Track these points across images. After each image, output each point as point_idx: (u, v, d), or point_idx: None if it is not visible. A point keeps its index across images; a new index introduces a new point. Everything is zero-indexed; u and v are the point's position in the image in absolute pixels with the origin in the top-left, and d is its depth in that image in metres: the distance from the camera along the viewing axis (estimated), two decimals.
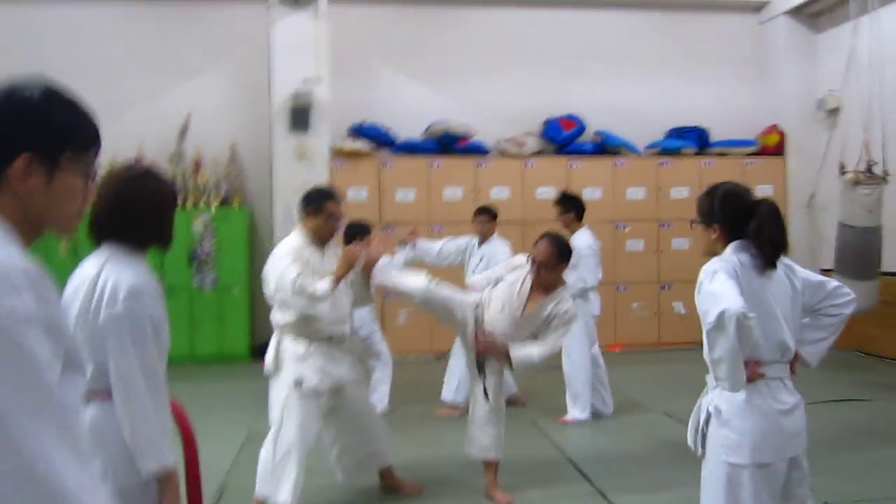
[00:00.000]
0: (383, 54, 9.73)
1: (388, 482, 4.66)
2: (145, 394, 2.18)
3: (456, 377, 6.46)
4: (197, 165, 9.24)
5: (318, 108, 8.69)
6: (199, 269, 8.88)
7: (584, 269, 6.08)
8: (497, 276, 4.62)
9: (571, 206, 6.31)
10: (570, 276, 6.10)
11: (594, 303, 6.35)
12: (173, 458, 2.23)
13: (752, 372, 2.64)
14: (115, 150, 8.95)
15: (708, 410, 2.76)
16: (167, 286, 8.72)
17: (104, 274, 2.23)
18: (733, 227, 2.78)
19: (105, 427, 2.17)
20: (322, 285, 4.09)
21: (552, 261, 4.34)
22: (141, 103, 9.33)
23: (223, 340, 8.89)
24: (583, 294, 6.13)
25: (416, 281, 4.58)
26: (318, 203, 4.33)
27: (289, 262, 4.11)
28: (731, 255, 2.75)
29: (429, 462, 5.24)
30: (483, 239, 6.54)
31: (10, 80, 1.39)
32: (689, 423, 2.88)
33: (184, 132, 9.24)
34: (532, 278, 4.38)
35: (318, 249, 4.33)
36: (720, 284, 2.61)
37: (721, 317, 2.51)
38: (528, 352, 4.30)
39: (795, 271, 2.83)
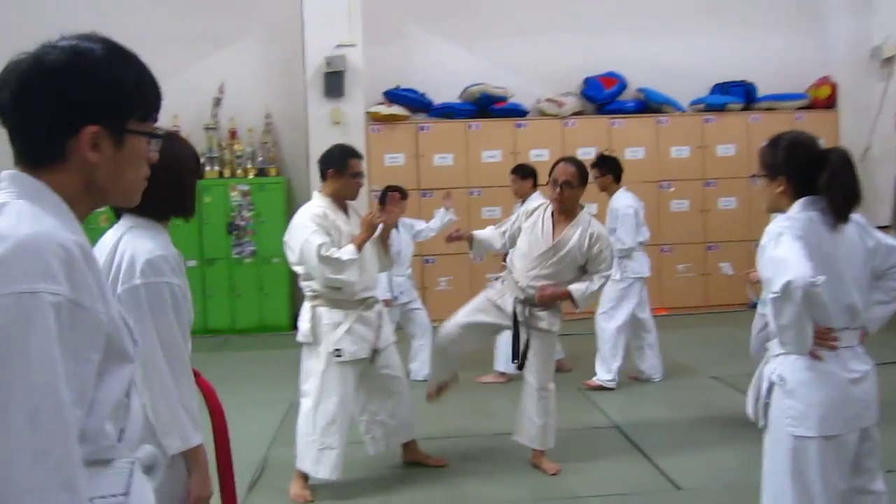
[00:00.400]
0: (417, 16, 9.50)
1: (412, 456, 4.57)
2: (165, 369, 2.08)
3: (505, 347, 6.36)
4: (232, 135, 9.18)
5: (353, 73, 8.54)
6: (237, 240, 8.85)
7: (622, 230, 5.97)
8: (511, 225, 4.55)
9: (608, 168, 6.15)
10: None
11: (641, 264, 6.17)
12: (199, 434, 2.14)
13: (824, 342, 2.46)
14: None
15: (770, 379, 2.58)
16: (207, 258, 8.74)
17: (122, 246, 2.13)
18: (801, 180, 2.57)
19: None
20: (347, 251, 3.99)
21: (574, 180, 4.31)
22: (175, 74, 9.22)
23: (264, 311, 8.87)
24: (626, 255, 5.98)
25: (446, 330, 4.56)
26: (342, 161, 4.19)
27: (313, 229, 4.00)
28: (800, 212, 2.54)
29: (473, 430, 5.16)
30: (522, 200, 6.36)
31: (70, 40, 1.29)
32: (749, 392, 2.71)
33: (218, 102, 9.16)
34: (554, 204, 4.36)
35: (342, 212, 4.21)
36: (786, 249, 2.42)
37: (787, 287, 2.34)
38: (586, 286, 4.26)
39: (869, 232, 2.63)
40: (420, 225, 6.62)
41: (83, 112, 1.25)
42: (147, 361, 2.05)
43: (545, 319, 4.34)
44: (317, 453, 4.09)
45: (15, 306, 1.09)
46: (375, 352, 4.23)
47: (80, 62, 1.26)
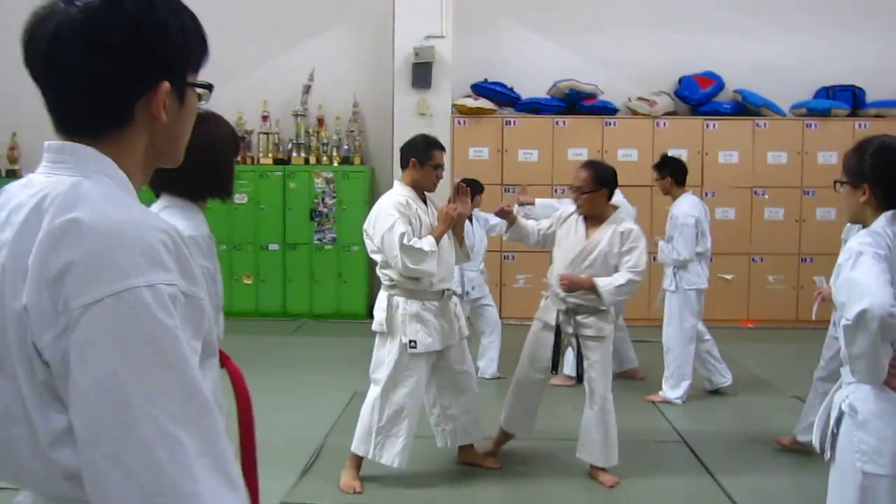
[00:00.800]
0: (508, 8, 9.39)
1: (468, 457, 4.50)
2: None
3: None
4: (320, 122, 9.28)
5: (441, 64, 8.49)
6: (319, 227, 8.94)
7: (679, 240, 5.67)
8: (548, 228, 4.48)
9: (669, 171, 5.83)
10: (666, 246, 5.76)
11: (698, 275, 5.84)
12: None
13: None
14: (240, 107, 9.17)
15: (840, 408, 2.38)
16: (289, 243, 8.87)
17: None
18: (888, 190, 2.36)
19: None
20: (428, 242, 3.99)
21: (587, 185, 4.22)
22: (266, 60, 9.43)
23: (341, 298, 8.94)
24: (683, 265, 5.72)
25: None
26: (426, 152, 4.18)
27: (396, 218, 3.98)
28: (884, 227, 2.33)
29: (537, 433, 5.03)
30: None
31: None
32: (817, 420, 2.51)
33: (307, 89, 9.27)
34: (578, 210, 4.32)
35: (422, 202, 4.21)
36: (864, 271, 2.22)
37: (862, 316, 2.16)
38: (611, 279, 4.15)
39: None
40: (494, 219, 6.51)
41: (160, 66, 1.13)
42: None
43: (592, 326, 4.24)
44: (382, 440, 4.07)
45: (137, 303, 0.98)
46: (449, 346, 4.20)
47: (148, 12, 1.12)
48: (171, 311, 1.00)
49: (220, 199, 2.22)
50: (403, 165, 4.23)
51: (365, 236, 4.17)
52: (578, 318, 4.25)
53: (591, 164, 4.36)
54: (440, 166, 4.21)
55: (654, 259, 5.74)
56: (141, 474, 0.96)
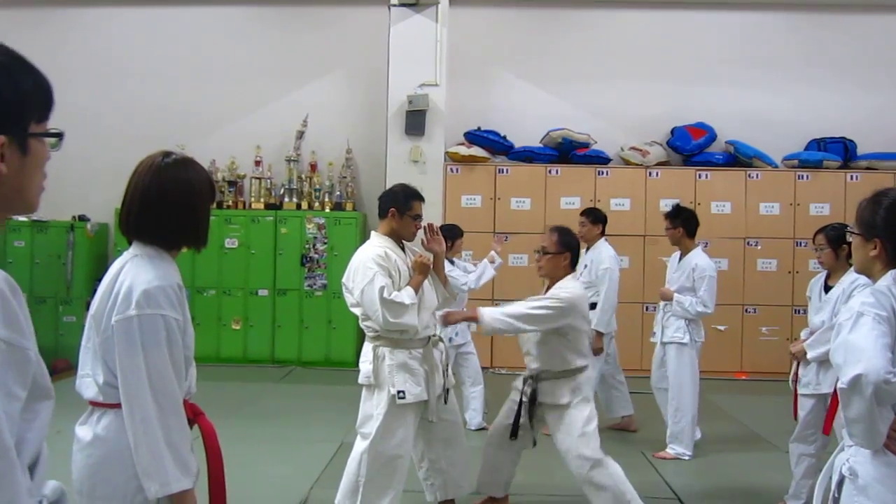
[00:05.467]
0: (502, 58, 9.47)
1: None
2: (151, 406, 1.95)
3: None
4: (313, 168, 9.27)
5: (434, 112, 8.52)
6: (310, 273, 8.87)
7: (706, 293, 5.58)
8: None
9: (682, 221, 5.77)
10: (685, 300, 5.65)
11: (702, 328, 5.80)
12: (187, 479, 1.99)
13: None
14: (233, 151, 9.17)
15: (841, 472, 2.30)
16: (279, 288, 8.77)
17: (122, 275, 2.04)
18: None
19: (118, 438, 1.98)
20: (407, 294, 3.93)
21: (553, 247, 4.20)
22: (260, 105, 9.46)
23: (331, 345, 8.83)
24: (696, 318, 5.65)
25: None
26: (405, 202, 4.13)
27: (375, 272, 3.91)
28: (890, 287, 2.27)
29: (527, 488, 4.90)
30: (587, 244, 6.12)
31: None
32: (818, 483, 2.42)
33: (301, 135, 9.29)
34: (539, 271, 4.29)
35: (400, 251, 4.14)
36: (863, 334, 2.16)
37: (856, 381, 2.10)
38: (500, 309, 4.11)
39: None
40: (471, 268, 6.37)
41: None
42: (133, 397, 1.95)
43: (549, 393, 4.18)
44: (371, 495, 3.95)
45: None
46: (439, 395, 4.11)
47: None
48: None
49: (195, 248, 2.14)
50: (382, 215, 4.17)
51: (344, 290, 4.10)
52: (539, 384, 4.21)
53: (558, 228, 4.35)
54: (419, 217, 4.16)
55: (649, 308, 5.68)
56: None
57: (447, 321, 4.18)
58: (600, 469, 4.06)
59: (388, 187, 8.39)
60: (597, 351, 5.61)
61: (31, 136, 1.24)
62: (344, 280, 4.09)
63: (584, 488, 4.10)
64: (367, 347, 4.09)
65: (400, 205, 4.11)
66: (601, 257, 6.07)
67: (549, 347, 4.16)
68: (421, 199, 4.21)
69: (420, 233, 4.25)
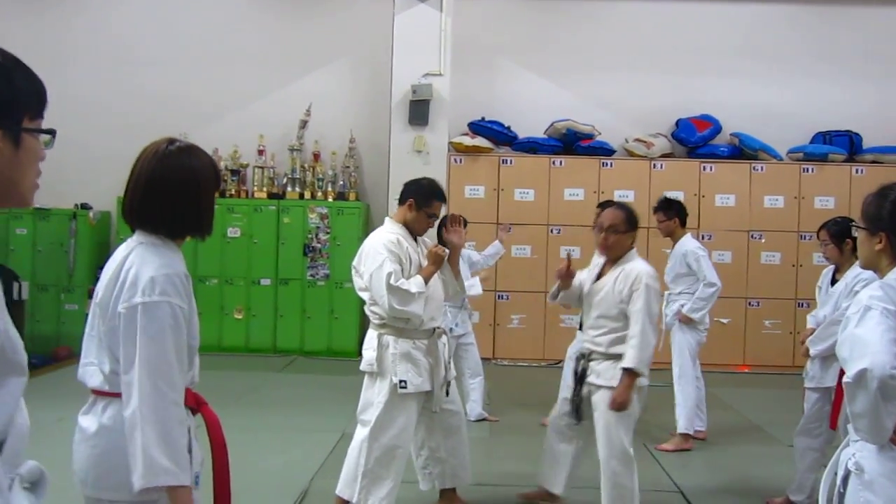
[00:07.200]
0: (506, 48, 9.42)
1: (450, 502, 4.36)
2: (149, 395, 1.91)
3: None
4: (316, 158, 9.24)
5: (438, 102, 8.49)
6: (312, 262, 8.86)
7: (709, 270, 5.70)
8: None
9: (675, 212, 5.85)
10: (685, 280, 5.73)
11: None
12: (181, 474, 1.93)
13: None
14: (236, 140, 9.14)
15: (847, 467, 2.28)
16: (281, 278, 8.76)
17: (128, 263, 2.01)
18: None
19: (121, 428, 1.95)
20: (416, 283, 3.91)
21: (621, 225, 4.02)
22: (264, 94, 9.42)
23: (332, 335, 8.82)
24: (712, 298, 5.72)
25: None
26: (427, 198, 4.12)
27: (385, 257, 3.90)
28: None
29: (525, 478, 4.90)
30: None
31: None
32: (823, 478, 2.41)
33: (304, 124, 9.25)
34: (601, 251, 4.12)
35: (412, 241, 4.13)
36: (870, 328, 2.13)
37: (861, 375, 2.07)
38: (630, 354, 3.85)
39: None
40: (476, 256, 6.46)
41: None
42: (132, 385, 1.91)
43: (601, 374, 3.99)
44: (368, 483, 3.94)
45: None
46: (441, 386, 4.10)
47: None
48: None
49: (199, 237, 2.11)
50: (401, 202, 4.16)
51: (354, 273, 4.10)
52: (591, 363, 4.05)
53: (621, 205, 4.22)
54: (434, 216, 4.17)
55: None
56: None
57: (615, 406, 3.89)
58: (627, 465, 3.93)
59: (391, 177, 8.46)
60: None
61: (25, 131, 1.31)
62: (354, 263, 4.10)
63: (603, 477, 3.96)
64: (372, 334, 4.07)
65: (420, 198, 4.11)
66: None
67: (619, 328, 3.98)
68: (443, 199, 4.22)
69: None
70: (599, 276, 4.12)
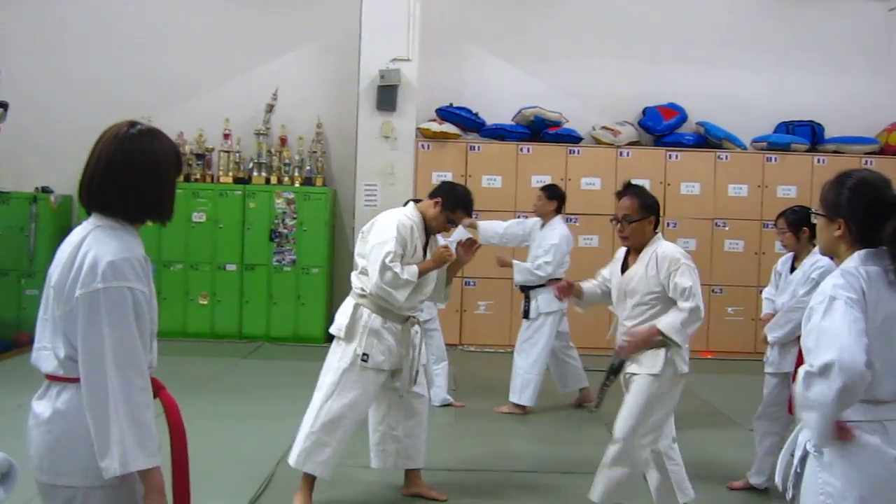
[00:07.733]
0: (475, 34, 9.40)
1: (413, 488, 4.40)
2: (115, 381, 1.89)
3: (519, 378, 6.18)
4: (283, 142, 9.16)
5: (406, 87, 8.45)
6: (278, 248, 8.79)
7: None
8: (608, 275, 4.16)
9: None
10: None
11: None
12: (152, 457, 1.94)
13: (845, 434, 2.19)
14: (201, 123, 9.03)
15: (805, 448, 2.32)
16: (247, 264, 8.68)
17: (84, 246, 1.97)
18: (863, 226, 2.29)
19: (80, 413, 1.92)
20: (410, 271, 4.02)
21: (634, 212, 3.89)
22: (230, 78, 9.31)
23: (299, 321, 8.78)
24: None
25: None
26: (455, 206, 4.21)
27: (393, 236, 4.01)
28: (857, 267, 2.26)
29: (487, 463, 4.93)
30: (542, 220, 6.28)
31: None
32: (780, 458, 2.45)
33: (271, 108, 9.17)
34: (622, 242, 4.02)
35: (424, 235, 4.24)
36: (836, 320, 2.14)
37: (827, 367, 2.08)
38: (671, 316, 3.75)
39: None
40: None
41: None
42: (93, 372, 1.89)
43: (642, 363, 3.83)
44: (310, 447, 4.03)
45: None
46: (399, 371, 4.18)
47: None
48: None
49: (159, 222, 2.07)
50: (432, 195, 4.28)
51: (360, 237, 4.21)
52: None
53: (633, 192, 4.00)
54: (454, 224, 4.33)
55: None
56: None
57: (633, 349, 3.81)
58: (630, 450, 3.88)
59: (358, 163, 8.42)
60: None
61: None
62: (364, 228, 4.22)
63: (609, 454, 3.89)
64: (349, 302, 4.18)
65: (449, 202, 4.20)
66: (548, 236, 6.16)
67: (657, 315, 3.85)
68: (468, 214, 4.33)
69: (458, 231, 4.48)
70: (625, 267, 3.97)
